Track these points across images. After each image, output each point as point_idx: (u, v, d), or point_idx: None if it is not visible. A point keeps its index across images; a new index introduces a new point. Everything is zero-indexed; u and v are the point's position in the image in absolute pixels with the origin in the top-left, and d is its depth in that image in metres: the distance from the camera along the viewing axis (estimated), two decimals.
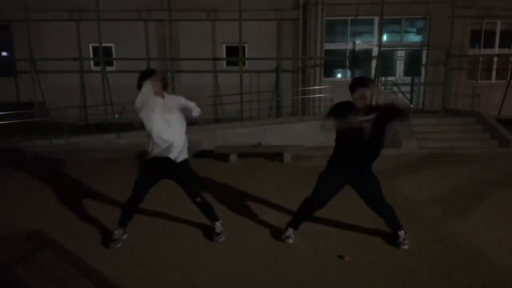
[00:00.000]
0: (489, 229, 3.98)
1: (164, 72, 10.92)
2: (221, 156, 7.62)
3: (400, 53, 11.81)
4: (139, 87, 3.38)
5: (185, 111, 3.52)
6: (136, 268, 3.18)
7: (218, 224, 3.80)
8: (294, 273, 3.11)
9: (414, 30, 11.88)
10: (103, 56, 10.66)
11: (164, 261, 3.33)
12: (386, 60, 11.36)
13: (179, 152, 3.50)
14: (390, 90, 10.92)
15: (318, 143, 7.81)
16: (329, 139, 3.51)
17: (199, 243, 3.68)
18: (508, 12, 11.17)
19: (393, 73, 11.69)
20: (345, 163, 3.37)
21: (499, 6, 11.15)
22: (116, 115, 10.08)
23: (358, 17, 11.37)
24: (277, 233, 3.77)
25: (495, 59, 11.93)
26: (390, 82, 10.88)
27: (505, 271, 3.11)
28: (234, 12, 10.28)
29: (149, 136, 3.44)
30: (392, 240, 3.57)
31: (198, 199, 3.71)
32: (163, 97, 3.45)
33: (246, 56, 11.39)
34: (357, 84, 3.16)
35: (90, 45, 11.53)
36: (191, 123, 3.77)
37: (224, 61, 11.81)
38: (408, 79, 11.36)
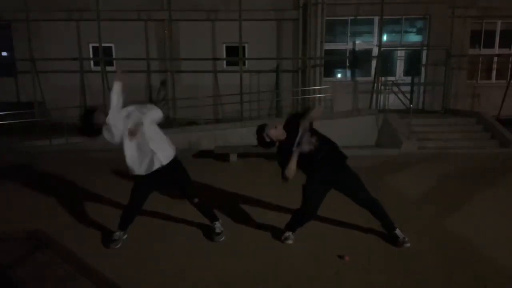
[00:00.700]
0: (489, 229, 3.98)
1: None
2: (221, 156, 7.61)
3: (400, 53, 11.80)
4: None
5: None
6: (136, 268, 3.18)
7: (218, 224, 3.80)
8: (294, 273, 3.11)
9: (414, 30, 11.88)
10: (103, 56, 10.67)
11: (164, 261, 3.33)
12: (386, 60, 11.35)
13: (165, 153, 3.44)
14: (390, 90, 10.94)
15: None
16: None
17: (199, 243, 3.68)
18: (508, 12, 11.17)
19: (393, 73, 11.68)
20: (318, 170, 3.43)
21: (499, 6, 11.15)
22: None
23: (358, 17, 11.37)
24: (277, 233, 3.77)
25: (495, 59, 11.92)
26: (390, 82, 10.88)
27: (505, 271, 3.11)
28: (234, 12, 10.28)
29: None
30: (393, 240, 3.57)
31: (196, 200, 3.69)
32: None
33: (246, 56, 11.39)
34: (260, 133, 3.42)
35: (90, 45, 11.53)
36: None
37: (224, 61, 11.80)
38: (408, 79, 11.36)
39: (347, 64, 11.85)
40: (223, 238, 3.71)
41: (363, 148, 8.43)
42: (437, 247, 3.54)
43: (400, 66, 11.84)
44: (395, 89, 10.31)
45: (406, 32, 11.79)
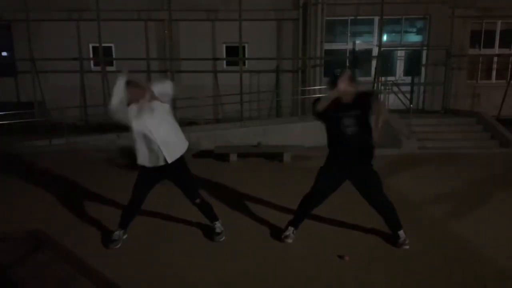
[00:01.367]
0: (489, 229, 3.98)
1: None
2: (221, 156, 7.61)
3: (400, 53, 11.79)
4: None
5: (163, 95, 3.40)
6: (136, 268, 3.18)
7: (218, 224, 3.80)
8: (294, 273, 3.11)
9: (414, 30, 11.87)
10: (103, 56, 10.66)
11: (164, 261, 3.33)
12: (386, 60, 11.34)
13: (171, 152, 3.43)
14: (390, 90, 10.93)
15: (318, 143, 7.79)
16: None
17: (199, 243, 3.68)
18: (508, 12, 11.16)
19: (393, 73, 11.67)
20: (339, 157, 3.41)
21: (499, 6, 11.13)
22: None
23: (358, 17, 11.36)
24: (277, 233, 3.77)
25: (495, 59, 11.91)
26: (390, 82, 10.87)
27: (505, 271, 3.11)
28: (234, 12, 10.28)
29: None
30: (393, 240, 3.57)
31: (198, 200, 3.69)
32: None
33: (246, 56, 11.38)
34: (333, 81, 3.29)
35: (90, 45, 11.52)
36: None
37: (224, 61, 11.79)
38: (408, 79, 11.35)
39: (347, 64, 11.84)
40: (223, 238, 3.72)
41: None
42: (437, 247, 3.54)
43: (400, 66, 11.83)
44: (395, 89, 10.30)
45: (406, 32, 11.78)
